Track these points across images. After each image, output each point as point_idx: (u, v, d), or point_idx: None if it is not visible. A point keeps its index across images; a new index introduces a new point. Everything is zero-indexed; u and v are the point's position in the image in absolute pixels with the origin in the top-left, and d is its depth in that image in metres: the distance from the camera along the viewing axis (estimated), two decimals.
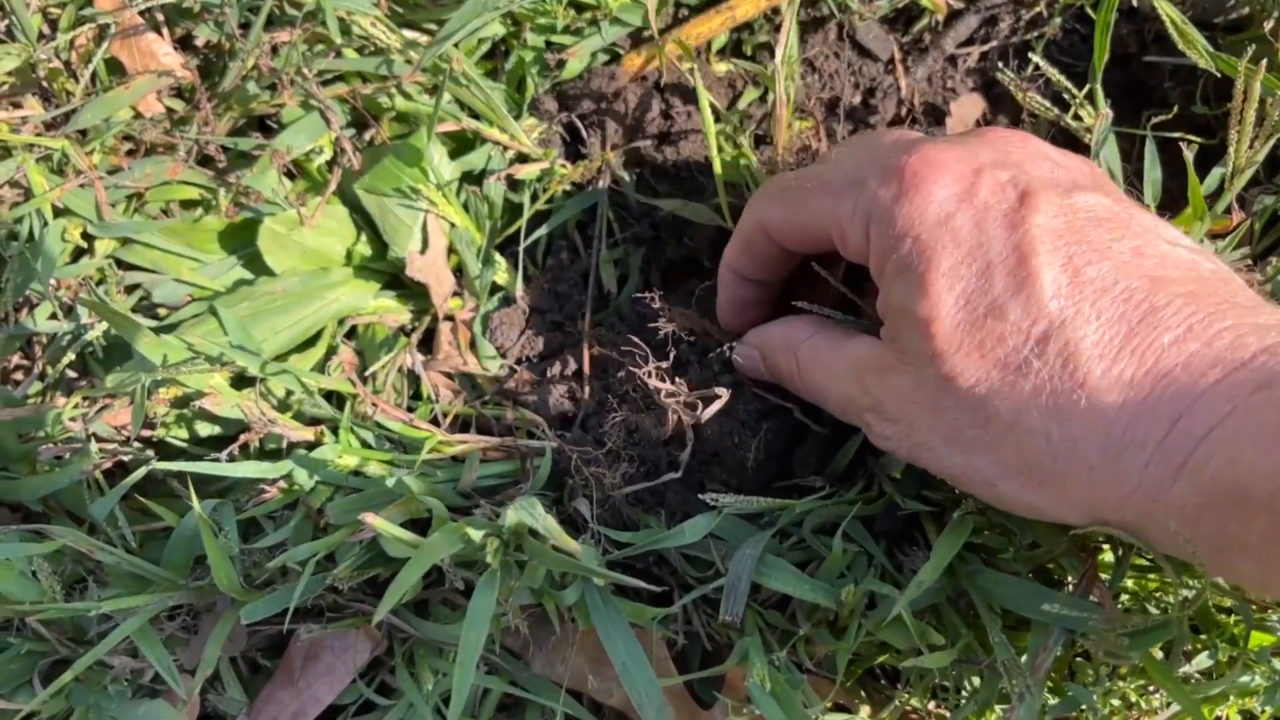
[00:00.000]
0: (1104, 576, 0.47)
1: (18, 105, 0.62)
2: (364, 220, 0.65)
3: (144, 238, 0.62)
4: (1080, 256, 0.38)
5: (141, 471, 0.55)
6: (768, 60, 0.67)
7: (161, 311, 0.63)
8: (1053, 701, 0.49)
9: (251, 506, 0.55)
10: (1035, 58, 0.54)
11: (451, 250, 0.64)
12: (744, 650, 0.48)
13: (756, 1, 0.65)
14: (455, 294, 0.65)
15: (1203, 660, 0.50)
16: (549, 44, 0.66)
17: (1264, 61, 0.45)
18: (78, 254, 0.62)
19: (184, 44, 0.66)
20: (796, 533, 0.52)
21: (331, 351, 0.64)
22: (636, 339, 0.54)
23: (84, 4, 0.62)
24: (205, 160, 0.64)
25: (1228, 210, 0.51)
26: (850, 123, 0.67)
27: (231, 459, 0.54)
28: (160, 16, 0.64)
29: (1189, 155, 0.48)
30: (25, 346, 0.63)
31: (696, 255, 0.66)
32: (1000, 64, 0.66)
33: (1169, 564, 0.40)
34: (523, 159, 0.65)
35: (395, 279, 0.66)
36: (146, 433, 0.58)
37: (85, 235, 0.62)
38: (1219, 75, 0.52)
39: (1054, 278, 0.38)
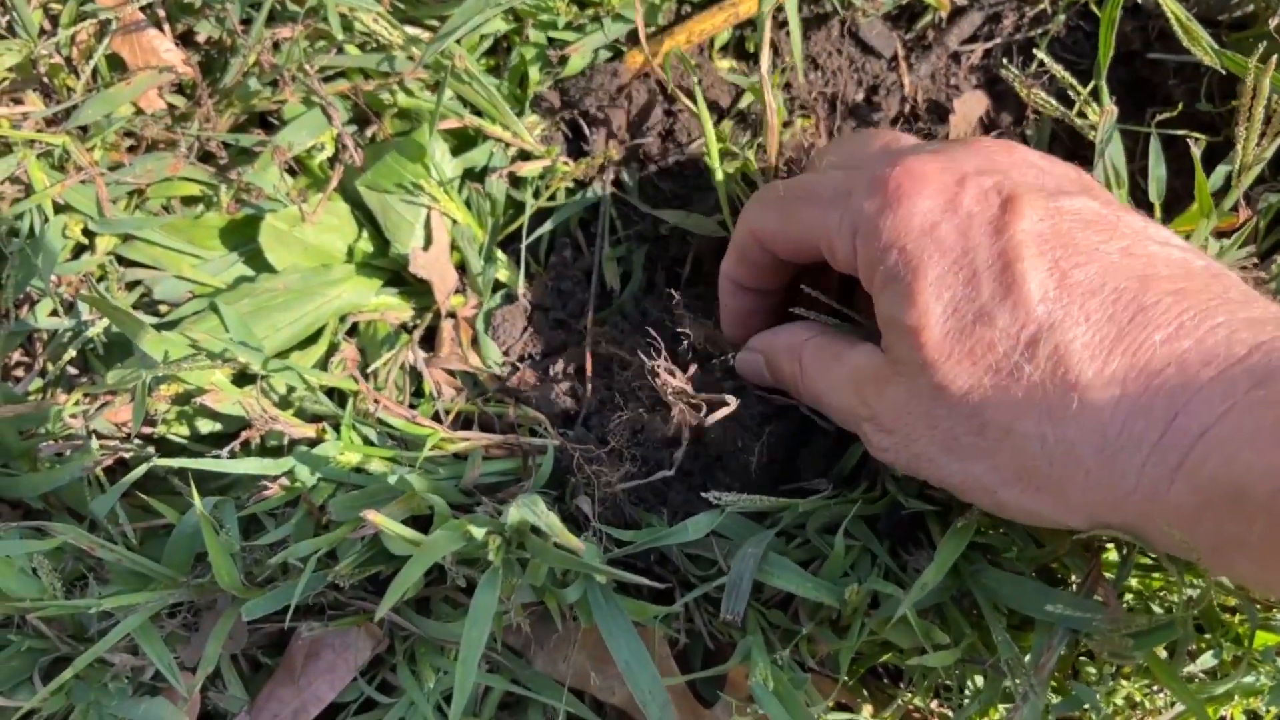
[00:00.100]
0: (1108, 575, 0.47)
1: (18, 101, 0.62)
2: (365, 217, 0.65)
3: (145, 234, 0.62)
4: (1067, 260, 0.38)
5: (142, 468, 0.55)
6: (754, 70, 0.67)
7: (162, 308, 0.63)
8: (1056, 701, 0.49)
9: (252, 503, 0.55)
10: (1040, 54, 0.54)
11: (453, 247, 0.64)
12: (747, 649, 0.48)
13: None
14: (457, 291, 0.64)
15: (1207, 660, 0.50)
16: (551, 40, 0.66)
17: (1273, 59, 0.45)
18: (78, 250, 0.62)
19: (185, 40, 0.65)
20: (800, 534, 0.52)
21: (333, 349, 0.63)
22: (652, 330, 0.54)
23: (85, 0, 0.62)
24: (206, 157, 0.64)
25: (1234, 208, 0.51)
26: (853, 120, 0.67)
27: (233, 456, 0.54)
28: (161, 12, 0.63)
29: (1196, 152, 0.48)
30: (26, 343, 0.63)
31: (700, 259, 0.66)
32: (1004, 61, 0.66)
33: (1172, 564, 0.40)
34: (525, 156, 0.65)
35: (397, 276, 0.66)
36: (147, 430, 0.58)
37: (86, 232, 0.62)
38: (1224, 72, 0.52)
39: (1041, 282, 0.38)
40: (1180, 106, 0.57)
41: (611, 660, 0.47)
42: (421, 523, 0.50)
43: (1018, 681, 0.44)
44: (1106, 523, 0.38)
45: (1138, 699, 0.52)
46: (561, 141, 0.66)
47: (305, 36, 0.61)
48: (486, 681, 0.54)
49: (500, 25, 0.64)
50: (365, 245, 0.65)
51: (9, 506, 0.60)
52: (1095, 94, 0.54)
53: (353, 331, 0.65)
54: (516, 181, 0.65)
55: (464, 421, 0.61)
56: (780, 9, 0.63)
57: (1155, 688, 0.52)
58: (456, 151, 0.64)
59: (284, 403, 0.59)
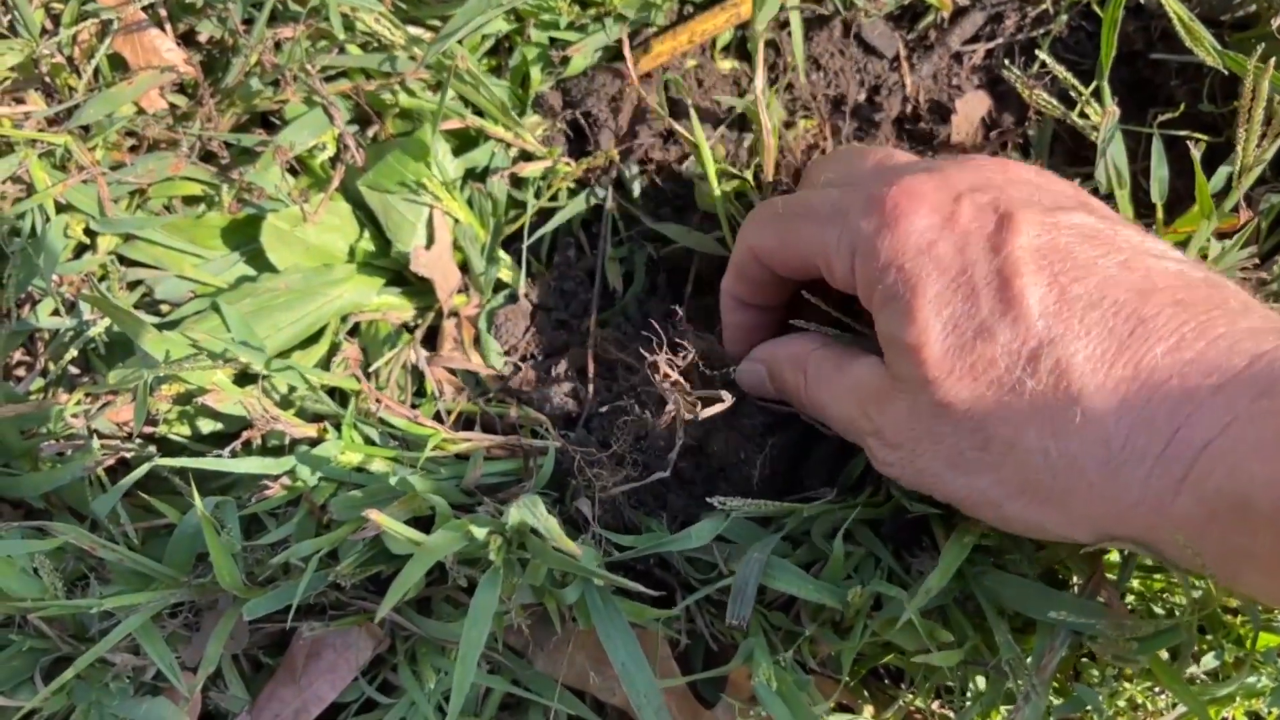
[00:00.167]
0: (1110, 577, 0.47)
1: (20, 101, 0.62)
2: (367, 217, 0.65)
3: (146, 234, 0.62)
4: (1066, 275, 0.38)
5: (144, 468, 0.55)
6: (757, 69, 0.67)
7: (164, 308, 0.62)
8: (1058, 702, 0.49)
9: (254, 503, 0.55)
10: (1042, 54, 0.54)
11: (455, 247, 0.64)
12: (749, 651, 0.48)
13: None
14: (459, 291, 0.64)
15: (1209, 661, 0.50)
16: (553, 41, 0.65)
17: (1273, 59, 0.45)
18: (80, 250, 0.62)
19: (187, 40, 0.65)
20: (806, 541, 0.51)
21: (334, 349, 0.63)
22: (656, 324, 0.54)
23: (86, 0, 0.62)
24: (208, 156, 0.64)
25: (1235, 208, 0.51)
26: (855, 120, 0.67)
27: (234, 455, 0.54)
28: (163, 12, 0.63)
29: (1196, 153, 0.48)
30: (28, 343, 0.63)
31: (701, 274, 0.65)
32: (1006, 61, 0.66)
33: (1180, 573, 0.39)
34: (526, 157, 0.65)
35: (398, 276, 0.66)
36: (149, 429, 0.58)
37: (88, 231, 0.62)
38: (1226, 73, 0.52)
39: (1040, 297, 0.38)
40: (1182, 107, 0.57)
41: (611, 661, 0.47)
42: (423, 523, 0.50)
43: (1020, 683, 0.44)
44: (1112, 535, 0.38)
45: (1139, 700, 0.52)
46: (563, 142, 0.66)
47: (307, 36, 0.61)
48: (487, 682, 0.54)
49: (502, 25, 0.64)
50: (367, 245, 0.65)
51: (10, 506, 0.60)
52: (1097, 94, 0.54)
53: (354, 331, 0.65)
54: (518, 182, 0.65)
55: (465, 421, 0.61)
56: (782, 8, 0.63)
57: (1157, 689, 0.52)
58: (458, 151, 0.64)
59: (285, 402, 0.59)
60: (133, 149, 0.64)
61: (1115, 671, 0.50)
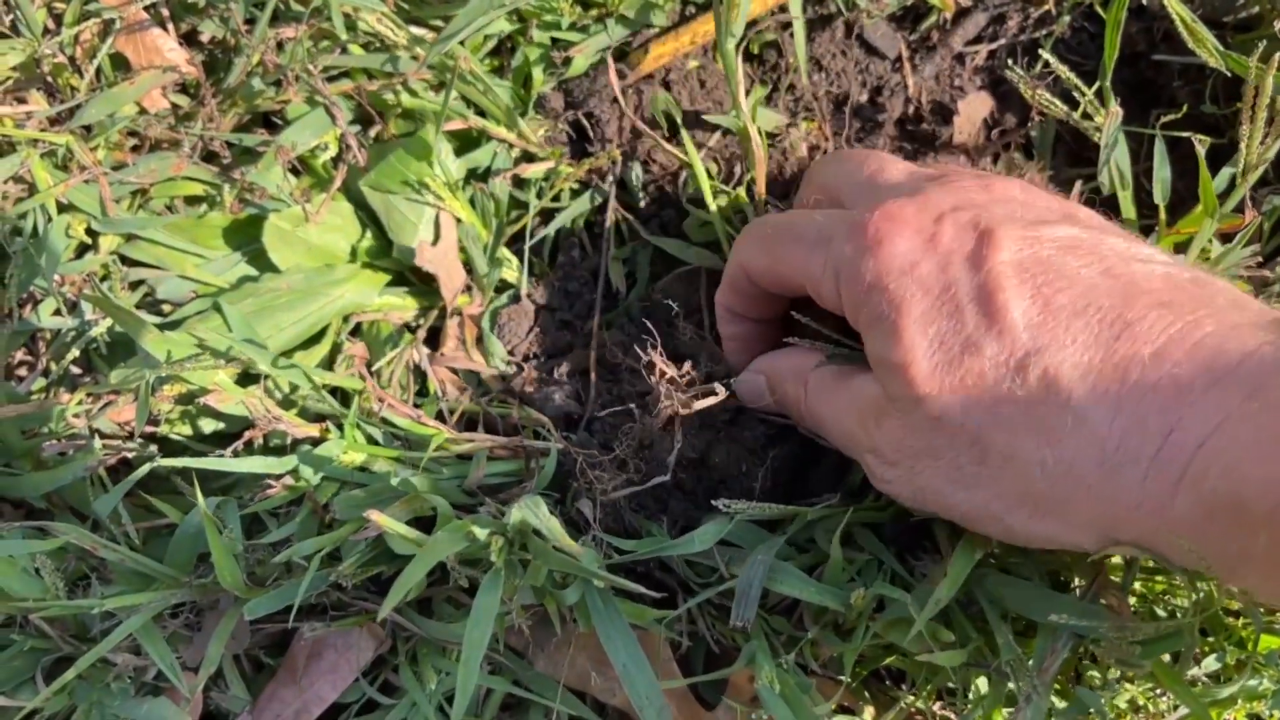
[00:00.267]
0: (1114, 580, 0.47)
1: (22, 100, 0.62)
2: (369, 217, 0.65)
3: (148, 234, 0.62)
4: (1049, 286, 0.38)
5: (145, 468, 0.55)
6: (758, 69, 0.67)
7: (166, 308, 0.63)
8: (1060, 704, 0.49)
9: (255, 503, 0.55)
10: (1045, 55, 0.54)
11: (459, 247, 0.64)
12: (751, 653, 0.48)
13: (764, 0, 0.64)
14: (463, 290, 0.64)
15: (1211, 663, 0.50)
16: (555, 41, 0.65)
17: (1275, 60, 0.45)
18: (82, 250, 0.62)
19: (189, 40, 0.65)
20: (812, 547, 0.51)
21: (336, 349, 0.63)
22: (649, 324, 0.54)
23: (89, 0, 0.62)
24: (210, 156, 0.64)
25: (1238, 209, 0.51)
26: (857, 121, 0.67)
27: (236, 455, 0.54)
28: (165, 12, 0.63)
29: (1201, 152, 0.48)
30: (29, 343, 0.63)
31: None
32: (1009, 62, 0.66)
33: (1184, 575, 0.39)
34: (529, 157, 0.65)
35: (400, 276, 0.66)
36: (150, 429, 0.58)
37: (89, 231, 0.62)
38: (1228, 74, 0.52)
39: (1024, 310, 0.38)
40: (1185, 108, 0.57)
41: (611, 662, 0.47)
42: (424, 523, 0.50)
43: (1021, 685, 0.44)
44: (1116, 539, 0.38)
45: (1141, 702, 0.52)
46: (565, 143, 0.66)
47: (309, 36, 0.61)
48: (488, 683, 0.54)
49: (504, 26, 0.64)
50: (369, 245, 0.65)
51: (12, 506, 0.60)
52: (1100, 95, 0.54)
53: (356, 332, 0.65)
54: (520, 182, 0.65)
55: (467, 422, 0.61)
56: (783, 8, 0.63)
57: (1159, 691, 0.52)
58: (460, 152, 0.64)
59: (287, 402, 0.59)
60: (135, 149, 0.64)
61: (1117, 674, 0.50)
